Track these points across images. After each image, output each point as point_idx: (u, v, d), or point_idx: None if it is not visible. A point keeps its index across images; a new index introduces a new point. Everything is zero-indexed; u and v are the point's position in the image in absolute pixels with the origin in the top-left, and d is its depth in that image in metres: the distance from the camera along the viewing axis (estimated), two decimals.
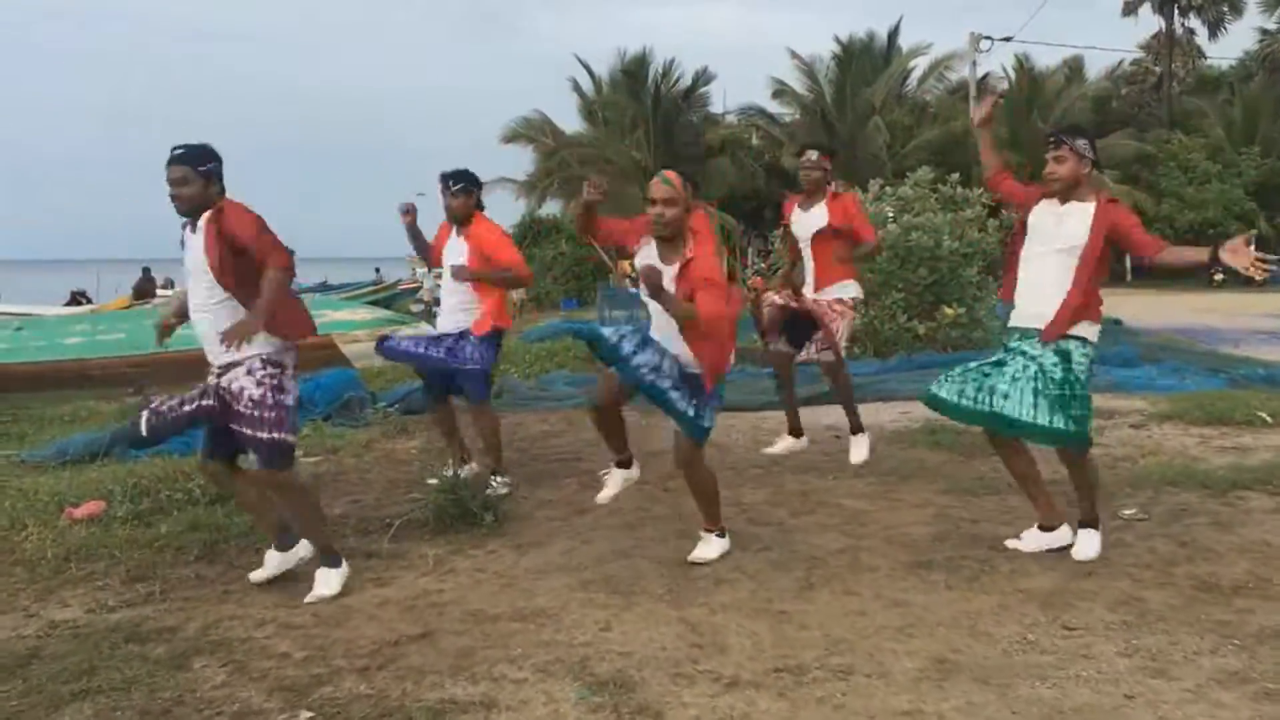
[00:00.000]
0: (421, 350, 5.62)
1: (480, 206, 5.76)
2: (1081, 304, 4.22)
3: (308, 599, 3.96)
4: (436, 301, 26.52)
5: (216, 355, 3.91)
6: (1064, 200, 4.25)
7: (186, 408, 3.94)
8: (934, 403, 4.43)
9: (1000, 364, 4.31)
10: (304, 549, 4.20)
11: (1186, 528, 4.72)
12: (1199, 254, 4.29)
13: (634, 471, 4.58)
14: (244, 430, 3.88)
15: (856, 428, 6.16)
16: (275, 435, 3.88)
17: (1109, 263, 4.29)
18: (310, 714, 2.97)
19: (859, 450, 6.11)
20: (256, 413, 3.85)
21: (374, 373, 10.86)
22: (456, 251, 5.65)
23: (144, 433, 3.98)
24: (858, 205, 6.06)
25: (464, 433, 6.02)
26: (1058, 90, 35.18)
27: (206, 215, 3.89)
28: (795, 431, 6.26)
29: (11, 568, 4.41)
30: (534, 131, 34.81)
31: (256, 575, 4.15)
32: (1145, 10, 37.73)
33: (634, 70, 31.47)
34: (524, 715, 2.97)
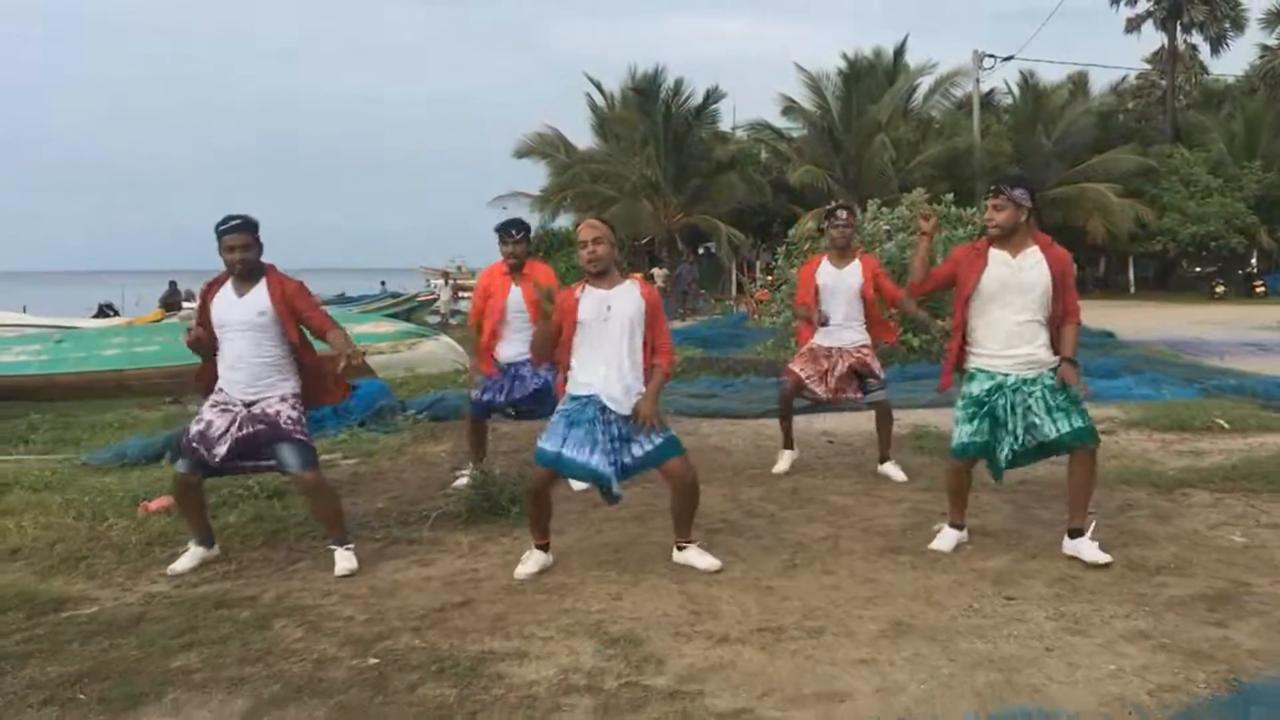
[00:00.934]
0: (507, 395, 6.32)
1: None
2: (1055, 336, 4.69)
3: (338, 572, 4.67)
4: (453, 314, 26.97)
5: (245, 393, 4.76)
6: (1011, 249, 4.66)
7: (224, 445, 4.70)
8: (968, 453, 4.77)
9: (998, 409, 4.65)
10: (207, 555, 4.92)
11: (1130, 519, 5.36)
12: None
13: (550, 558, 4.80)
14: (285, 443, 4.72)
15: (887, 457, 6.63)
16: (309, 441, 4.83)
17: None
18: (376, 660, 3.64)
19: (897, 473, 6.51)
20: (296, 428, 4.75)
21: (398, 383, 11.58)
22: (518, 296, 6.24)
23: (213, 467, 4.76)
24: (879, 265, 6.66)
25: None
26: (1062, 105, 35.81)
27: (267, 279, 4.79)
28: (790, 445, 6.92)
29: (103, 551, 5.09)
30: (547, 147, 35.58)
31: (177, 566, 4.78)
32: (1148, 27, 38.36)
33: (645, 88, 32.18)
34: (551, 663, 3.62)
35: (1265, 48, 37.53)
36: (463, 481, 6.34)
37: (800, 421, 8.93)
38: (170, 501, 5.76)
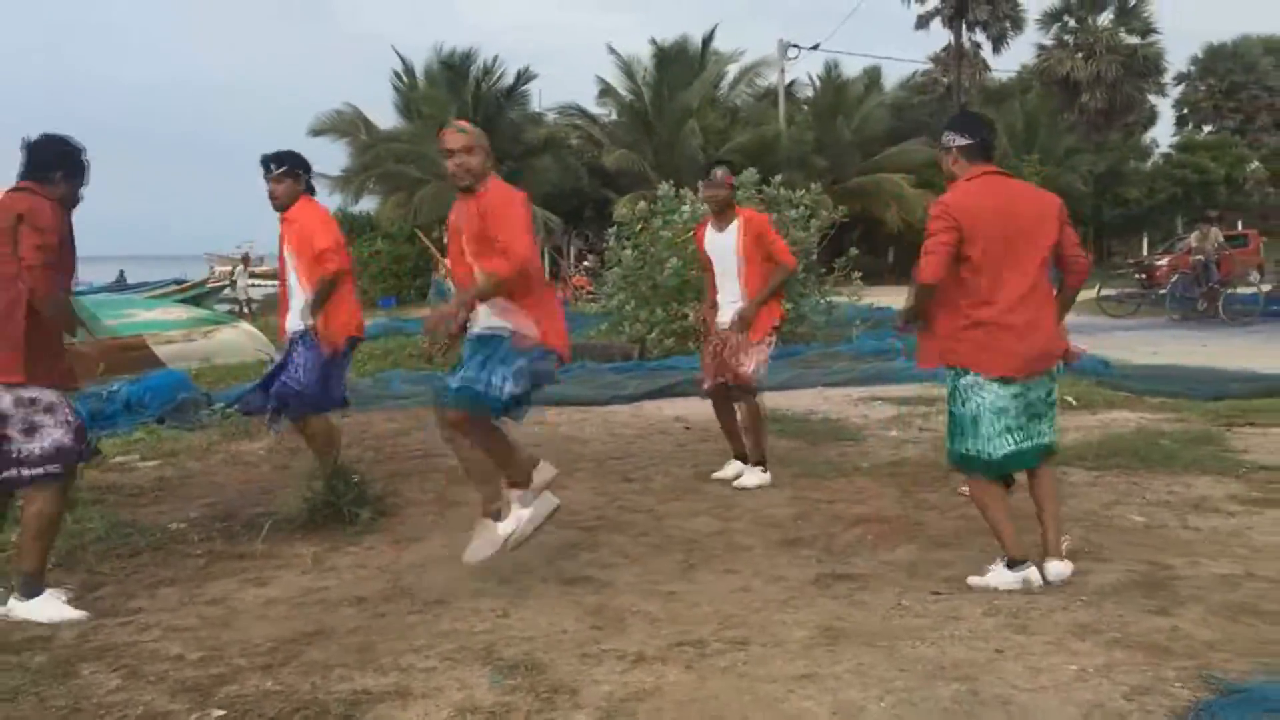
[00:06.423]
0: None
1: (310, 191, 5.26)
2: None
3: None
4: (249, 301, 25.15)
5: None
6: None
7: None
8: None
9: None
10: None
11: (1016, 501, 5.13)
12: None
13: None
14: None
15: (760, 460, 5.74)
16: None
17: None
18: (221, 713, 2.89)
19: (751, 478, 5.68)
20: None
21: (193, 374, 10.39)
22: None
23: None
24: (772, 227, 5.84)
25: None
26: (858, 98, 37.02)
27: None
28: (741, 456, 5.90)
29: None
30: (346, 125, 33.85)
31: None
32: (936, 24, 40.12)
33: (456, 65, 31.08)
34: (440, 701, 2.99)
35: (1041, 46, 39.91)
36: None
37: (649, 407, 8.55)
38: None
